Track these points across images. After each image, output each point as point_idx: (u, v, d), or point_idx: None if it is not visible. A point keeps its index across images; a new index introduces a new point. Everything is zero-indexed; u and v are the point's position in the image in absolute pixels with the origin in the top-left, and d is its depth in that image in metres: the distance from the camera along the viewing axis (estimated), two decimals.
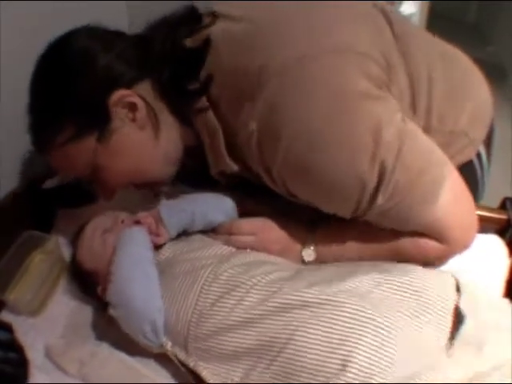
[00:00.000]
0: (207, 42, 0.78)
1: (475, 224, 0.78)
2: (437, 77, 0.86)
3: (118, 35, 0.84)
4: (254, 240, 0.86)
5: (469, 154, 0.92)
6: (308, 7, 0.78)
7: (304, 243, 0.86)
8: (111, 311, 0.78)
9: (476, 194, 0.98)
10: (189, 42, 0.80)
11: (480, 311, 0.72)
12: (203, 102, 0.79)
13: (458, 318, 0.70)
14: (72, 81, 0.78)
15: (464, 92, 0.90)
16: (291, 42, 0.73)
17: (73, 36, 0.81)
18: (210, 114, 0.79)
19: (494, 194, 1.03)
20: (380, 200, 0.71)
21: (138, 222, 0.87)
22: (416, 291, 0.72)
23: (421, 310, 0.70)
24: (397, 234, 0.78)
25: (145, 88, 0.81)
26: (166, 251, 0.85)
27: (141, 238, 0.83)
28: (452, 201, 0.74)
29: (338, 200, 0.75)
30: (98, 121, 0.79)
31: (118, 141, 0.81)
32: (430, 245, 0.77)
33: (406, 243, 0.79)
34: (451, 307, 0.71)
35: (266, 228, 0.87)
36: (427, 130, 0.84)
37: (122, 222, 0.88)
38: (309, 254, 0.85)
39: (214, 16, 0.80)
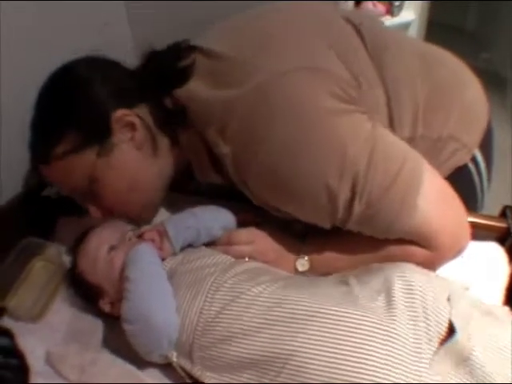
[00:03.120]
0: (189, 71, 0.83)
1: (465, 228, 0.78)
2: (420, 82, 0.87)
3: (115, 65, 0.89)
4: (251, 249, 0.88)
5: (462, 158, 0.91)
6: (281, 19, 0.85)
7: (298, 253, 0.87)
8: (127, 327, 0.76)
9: (475, 199, 0.99)
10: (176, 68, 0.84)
11: (475, 321, 0.70)
12: (186, 122, 0.85)
13: (451, 330, 0.68)
14: (77, 96, 0.83)
15: (450, 94, 0.90)
16: (263, 61, 0.77)
17: (75, 66, 0.86)
18: (193, 133, 0.85)
19: (494, 202, 1.03)
20: (357, 209, 0.73)
21: (141, 236, 0.88)
22: (415, 298, 0.70)
23: (419, 317, 0.69)
24: (386, 242, 0.78)
25: (143, 111, 0.87)
26: (168, 262, 0.85)
27: (152, 255, 0.82)
28: (434, 204, 0.74)
29: (311, 209, 0.78)
30: (100, 135, 0.83)
31: (117, 157, 0.85)
32: (418, 252, 0.77)
33: (396, 251, 0.79)
34: (447, 318, 0.69)
35: (262, 237, 0.89)
36: (413, 138, 0.85)
37: (130, 239, 0.87)
38: (302, 264, 0.87)
39: (195, 49, 0.85)
